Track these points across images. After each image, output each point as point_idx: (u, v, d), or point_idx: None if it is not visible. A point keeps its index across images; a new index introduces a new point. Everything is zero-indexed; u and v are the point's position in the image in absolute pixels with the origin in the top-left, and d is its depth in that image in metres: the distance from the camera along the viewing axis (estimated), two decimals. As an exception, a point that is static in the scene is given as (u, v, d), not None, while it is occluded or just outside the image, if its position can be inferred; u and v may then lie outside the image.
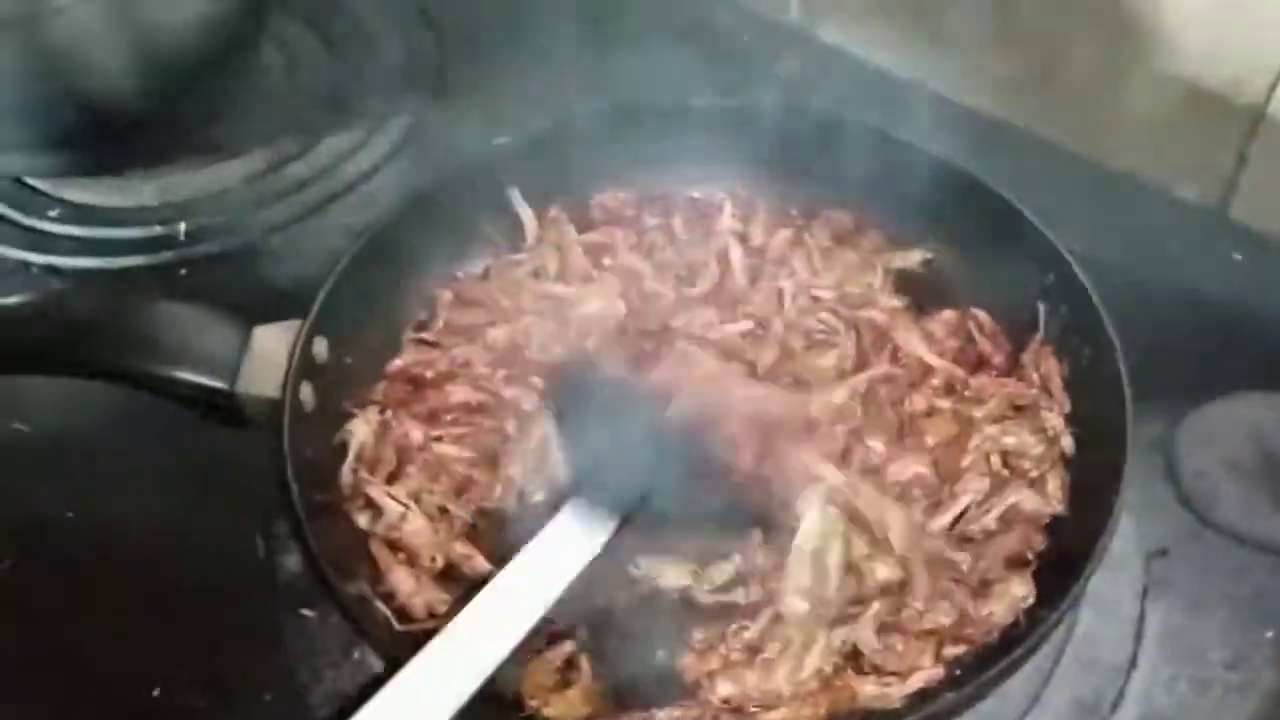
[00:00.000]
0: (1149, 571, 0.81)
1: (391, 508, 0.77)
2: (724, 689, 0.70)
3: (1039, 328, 0.85)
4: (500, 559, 0.76)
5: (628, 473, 0.76)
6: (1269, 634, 0.78)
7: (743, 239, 0.94)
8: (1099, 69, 1.18)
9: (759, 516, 0.76)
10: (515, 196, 0.97)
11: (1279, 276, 1.00)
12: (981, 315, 0.88)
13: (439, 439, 0.82)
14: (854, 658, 0.72)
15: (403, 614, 0.75)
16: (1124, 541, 0.82)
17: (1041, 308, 0.85)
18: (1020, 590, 0.74)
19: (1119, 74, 1.18)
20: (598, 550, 0.73)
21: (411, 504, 0.78)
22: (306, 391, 0.80)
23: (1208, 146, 1.16)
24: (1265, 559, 0.81)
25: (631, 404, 0.82)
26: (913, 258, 0.93)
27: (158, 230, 1.08)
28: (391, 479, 0.81)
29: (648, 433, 0.79)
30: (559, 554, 0.73)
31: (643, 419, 0.80)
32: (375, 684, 0.65)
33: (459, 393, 0.85)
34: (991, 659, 0.69)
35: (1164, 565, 0.82)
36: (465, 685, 0.66)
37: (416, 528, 0.77)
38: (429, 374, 0.86)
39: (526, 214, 0.97)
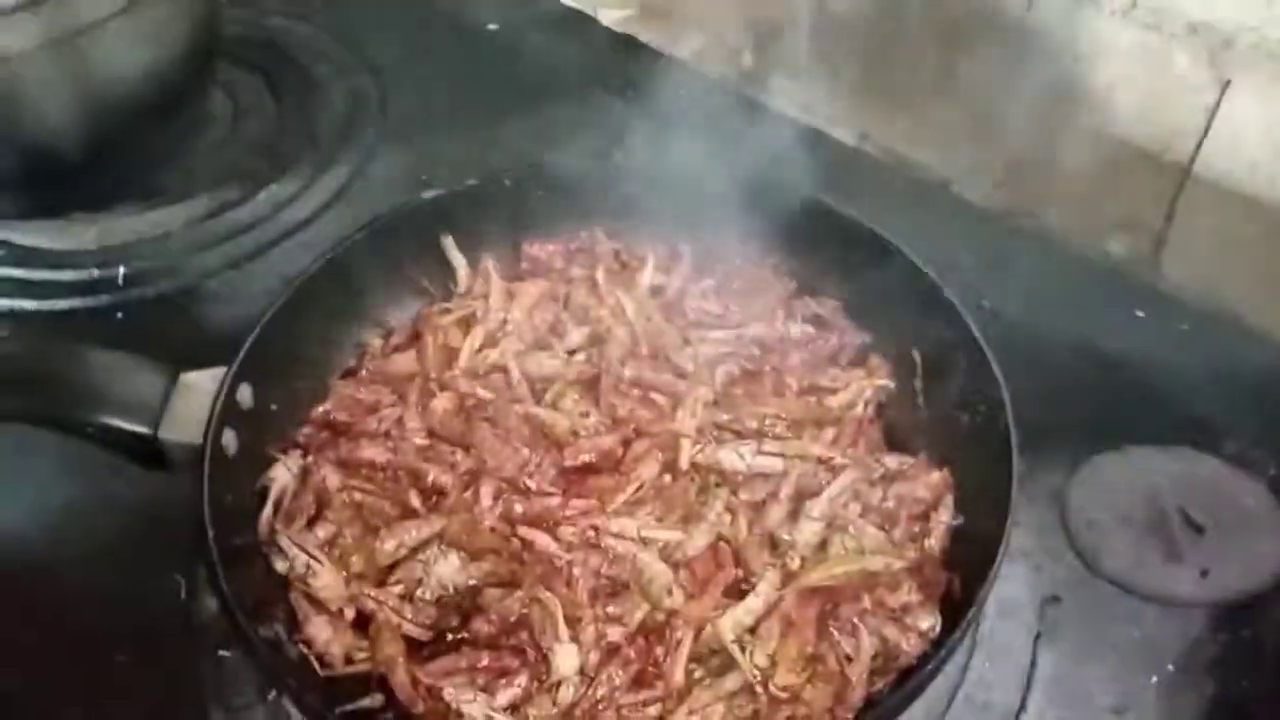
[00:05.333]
0: (1042, 617, 0.84)
1: (300, 559, 0.79)
2: None
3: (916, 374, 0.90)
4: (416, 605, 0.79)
5: None
6: (1154, 679, 0.82)
7: (658, 290, 0.97)
8: (1032, 129, 1.23)
9: None
10: (449, 245, 1.00)
11: (1178, 334, 1.04)
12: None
13: (354, 488, 0.84)
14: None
15: (323, 661, 0.77)
16: (1018, 588, 0.85)
17: (917, 356, 0.90)
18: (927, 622, 0.77)
19: (1052, 132, 1.23)
20: None
21: (320, 556, 0.79)
22: (229, 437, 0.82)
23: (1137, 203, 1.21)
24: (1152, 608, 0.85)
25: None
26: (826, 305, 0.97)
27: (96, 274, 1.10)
28: (311, 524, 0.83)
29: None
30: None
31: None
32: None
33: (369, 450, 0.86)
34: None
35: (1056, 611, 0.85)
36: None
37: (325, 580, 0.79)
38: (346, 419, 0.88)
39: (460, 261, 1.00)
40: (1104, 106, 1.21)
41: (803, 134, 1.26)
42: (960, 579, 0.78)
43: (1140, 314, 1.06)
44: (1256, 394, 0.97)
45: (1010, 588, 0.84)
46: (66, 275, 1.10)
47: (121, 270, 1.10)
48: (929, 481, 0.84)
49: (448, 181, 1.03)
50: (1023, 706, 0.80)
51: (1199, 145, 1.17)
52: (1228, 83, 1.11)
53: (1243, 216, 1.15)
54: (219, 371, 0.84)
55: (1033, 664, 0.82)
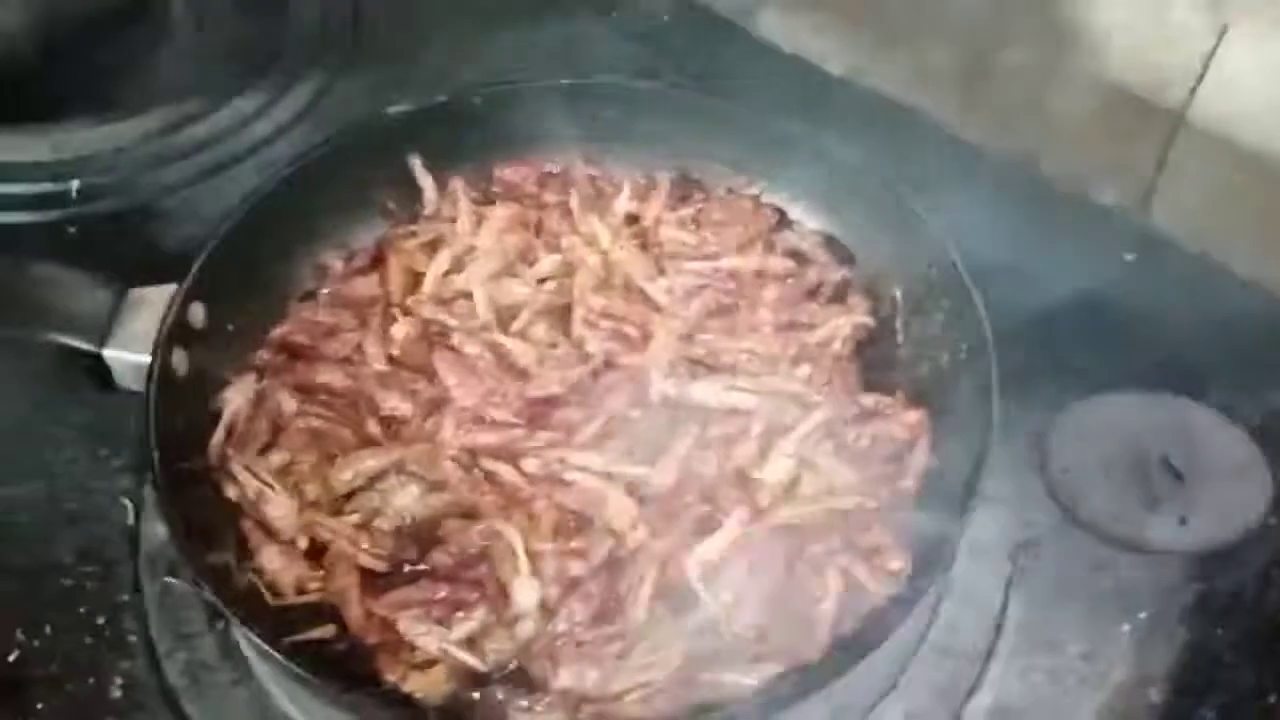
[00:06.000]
0: (1015, 563, 0.83)
1: (251, 485, 0.76)
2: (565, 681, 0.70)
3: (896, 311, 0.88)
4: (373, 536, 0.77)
5: None
6: (1125, 628, 0.80)
7: (634, 219, 0.94)
8: (1027, 69, 1.19)
9: None
10: (416, 165, 0.96)
11: (1167, 279, 1.02)
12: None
13: (311, 414, 0.81)
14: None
15: (274, 590, 0.75)
16: (992, 533, 0.83)
17: (899, 294, 0.88)
18: (897, 563, 0.75)
19: (1046, 75, 1.19)
20: None
21: (273, 482, 0.77)
22: (179, 357, 0.79)
23: (1129, 149, 1.18)
24: (1127, 556, 0.83)
25: None
26: (807, 239, 0.94)
27: (48, 187, 1.05)
28: (265, 450, 0.80)
29: None
30: None
31: None
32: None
33: (327, 374, 0.83)
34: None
35: (1030, 557, 0.83)
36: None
37: (278, 508, 0.76)
38: (305, 341, 0.85)
39: (427, 183, 0.96)
40: (1100, 51, 1.17)
41: (791, 65, 1.22)
42: (933, 521, 0.76)
43: (1129, 257, 1.04)
44: (1243, 342, 0.95)
45: (983, 532, 0.82)
46: (16, 188, 1.05)
47: (74, 184, 1.05)
48: (905, 421, 0.82)
49: (420, 100, 0.99)
50: (991, 652, 0.79)
51: (1193, 92, 1.13)
52: (1225, 28, 1.08)
53: (1235, 165, 1.13)
54: (170, 288, 0.80)
55: (1003, 609, 0.81)
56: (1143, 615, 0.81)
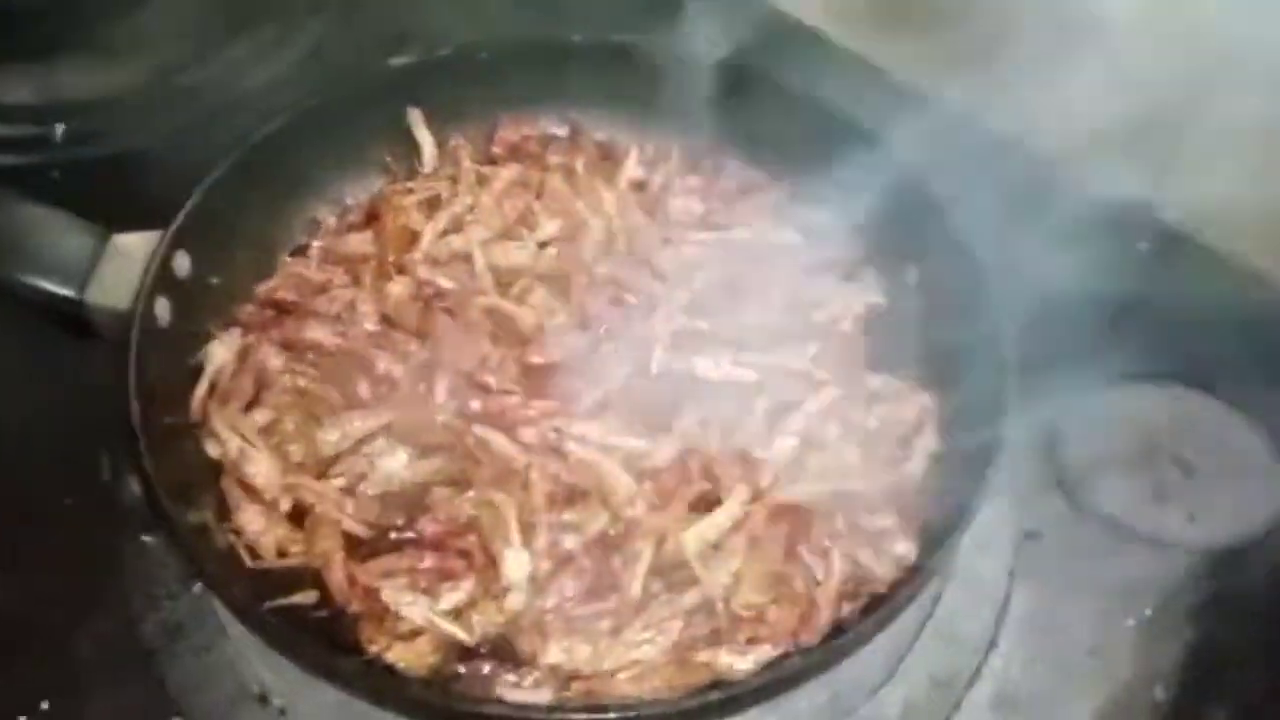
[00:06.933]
0: (1019, 553, 0.80)
1: (233, 443, 0.73)
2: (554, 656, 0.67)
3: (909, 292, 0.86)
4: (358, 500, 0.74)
5: None
6: (1131, 622, 0.78)
7: (641, 185, 0.91)
8: (1042, 57, 1.17)
9: None
10: (415, 119, 0.92)
11: (1182, 270, 0.99)
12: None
13: (298, 372, 0.78)
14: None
15: (253, 552, 0.72)
16: (998, 522, 0.81)
17: (913, 274, 0.86)
18: (902, 547, 0.72)
19: (1062, 63, 1.16)
20: None
21: (256, 441, 0.74)
22: (162, 306, 0.76)
23: (1143, 134, 1.16)
24: (1137, 549, 0.81)
25: None
26: (820, 214, 0.91)
27: (32, 130, 1.01)
28: (249, 408, 0.77)
29: None
30: None
31: None
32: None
33: (317, 331, 0.80)
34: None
35: (1035, 548, 0.81)
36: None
37: (260, 467, 0.73)
38: (294, 298, 0.82)
39: (426, 139, 0.92)
40: (1112, 40, 1.15)
41: (812, 42, 1.19)
42: (940, 506, 0.74)
43: (1143, 246, 1.01)
44: (1258, 336, 0.93)
45: (990, 520, 0.80)
46: (0, 130, 1.01)
47: (60, 128, 1.02)
48: (914, 404, 0.79)
49: (420, 54, 0.96)
50: (993, 643, 0.76)
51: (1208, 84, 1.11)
52: (1237, 21, 1.05)
53: (1251, 154, 1.10)
54: (154, 235, 0.77)
55: (1007, 600, 0.78)
56: (1149, 611, 0.79)
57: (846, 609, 0.70)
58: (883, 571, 0.71)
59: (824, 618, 0.69)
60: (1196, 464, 0.84)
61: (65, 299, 0.74)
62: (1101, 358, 0.91)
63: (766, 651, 0.68)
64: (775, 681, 0.66)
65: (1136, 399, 0.88)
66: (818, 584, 0.71)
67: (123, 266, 0.76)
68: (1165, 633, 0.78)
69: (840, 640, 0.67)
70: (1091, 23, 1.14)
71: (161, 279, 0.75)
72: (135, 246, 0.77)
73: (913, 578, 0.69)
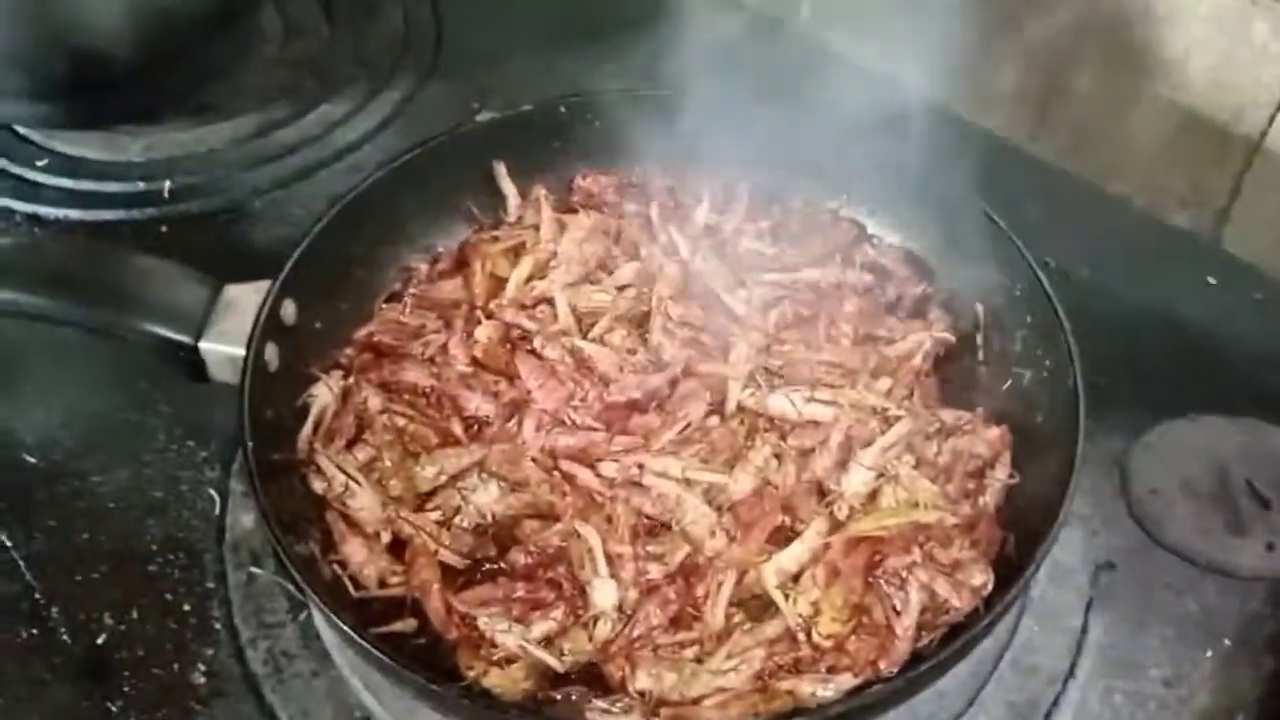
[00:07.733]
0: (1095, 584, 0.82)
1: (338, 479, 0.78)
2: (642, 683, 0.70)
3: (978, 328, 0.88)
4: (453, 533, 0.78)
5: None
6: (1209, 654, 0.79)
7: (712, 229, 0.94)
8: (1100, 92, 1.18)
9: None
10: (500, 172, 0.97)
11: (1251, 303, 1.00)
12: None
13: (396, 411, 0.82)
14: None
15: (356, 582, 0.76)
16: (1072, 553, 0.82)
17: (981, 310, 0.88)
18: (979, 578, 0.74)
19: (1120, 98, 1.18)
20: None
21: (359, 477, 0.78)
22: (271, 351, 0.80)
23: (1203, 175, 1.17)
24: (1212, 580, 0.82)
25: None
26: (887, 253, 0.94)
27: (141, 186, 1.08)
28: (351, 445, 0.81)
29: None
30: None
31: None
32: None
33: (412, 373, 0.84)
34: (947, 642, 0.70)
35: (1111, 579, 0.82)
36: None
37: (362, 501, 0.77)
38: (390, 341, 0.87)
39: (510, 189, 0.97)
40: (1177, 73, 1.15)
41: (868, 80, 1.22)
42: (1015, 538, 0.76)
43: (1212, 280, 1.02)
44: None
45: (1064, 552, 0.82)
46: (111, 186, 1.09)
47: (167, 184, 1.08)
48: (987, 438, 0.81)
49: (502, 110, 1.01)
50: (1071, 673, 0.77)
51: (1272, 118, 1.11)
52: (1307, 51, 1.06)
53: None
54: (263, 284, 0.82)
55: (1083, 631, 0.79)
56: (1227, 641, 0.79)
57: (925, 639, 0.72)
58: (960, 602, 0.73)
59: (902, 648, 0.71)
60: (1271, 496, 0.85)
61: (182, 345, 0.80)
62: (1171, 389, 0.93)
63: (847, 680, 0.70)
64: (857, 710, 0.68)
65: (1207, 430, 0.89)
66: (896, 614, 0.73)
67: (234, 314, 0.80)
68: (1243, 663, 0.78)
69: (919, 670, 0.69)
70: (1151, 51, 1.15)
71: (270, 325, 0.80)
72: (244, 296, 0.82)
73: (990, 608, 0.71)
